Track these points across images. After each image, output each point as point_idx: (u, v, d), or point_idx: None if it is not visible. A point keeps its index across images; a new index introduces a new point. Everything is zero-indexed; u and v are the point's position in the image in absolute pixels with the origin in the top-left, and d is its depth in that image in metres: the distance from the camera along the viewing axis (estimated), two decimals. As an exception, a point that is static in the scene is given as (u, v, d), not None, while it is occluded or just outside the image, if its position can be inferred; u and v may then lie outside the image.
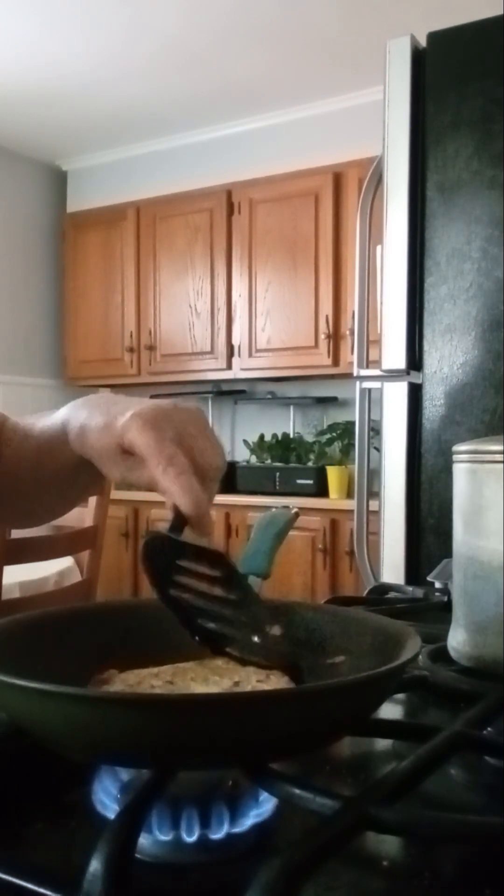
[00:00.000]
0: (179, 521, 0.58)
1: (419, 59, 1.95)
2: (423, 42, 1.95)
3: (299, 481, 3.89)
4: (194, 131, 4.44)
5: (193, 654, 0.56)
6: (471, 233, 1.89)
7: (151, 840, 0.43)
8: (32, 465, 0.76)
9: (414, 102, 1.95)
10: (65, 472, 0.74)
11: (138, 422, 0.61)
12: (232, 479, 4.10)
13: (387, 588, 1.16)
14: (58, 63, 3.75)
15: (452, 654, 0.73)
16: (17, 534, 2.51)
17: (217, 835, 0.43)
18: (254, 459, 4.24)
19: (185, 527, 0.59)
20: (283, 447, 4.17)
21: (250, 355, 4.20)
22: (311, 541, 3.65)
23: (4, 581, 2.27)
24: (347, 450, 3.90)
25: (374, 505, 2.10)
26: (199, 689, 0.50)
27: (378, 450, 2.04)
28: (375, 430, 2.12)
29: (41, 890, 0.37)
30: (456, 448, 0.74)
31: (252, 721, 0.42)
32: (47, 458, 0.74)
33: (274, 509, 0.86)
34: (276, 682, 0.52)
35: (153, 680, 0.51)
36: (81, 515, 2.65)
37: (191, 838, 0.43)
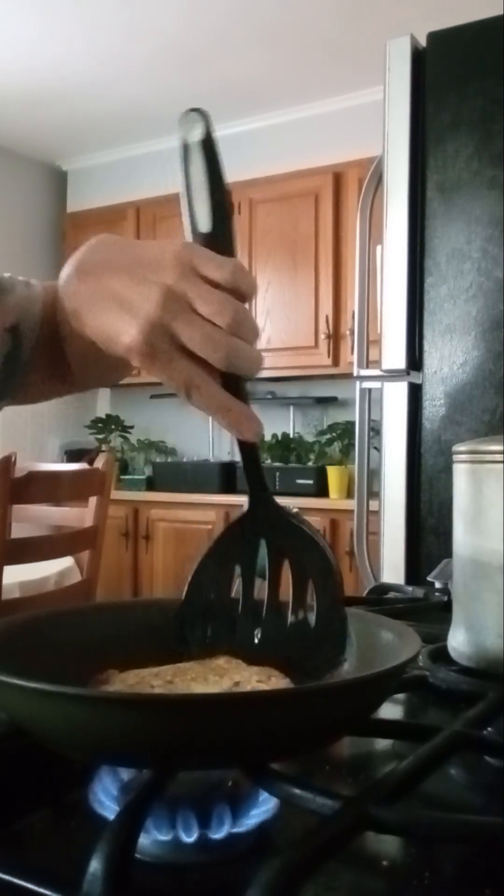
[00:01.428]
0: (243, 444, 0.58)
1: (419, 59, 1.95)
2: (423, 42, 1.95)
3: (299, 481, 3.89)
4: (194, 131, 4.43)
5: (193, 654, 0.56)
6: (471, 233, 1.89)
7: (151, 840, 0.43)
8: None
9: (414, 102, 1.95)
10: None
11: (136, 355, 0.55)
12: (232, 479, 4.10)
13: (387, 588, 1.16)
14: (58, 63, 3.75)
15: (452, 654, 0.73)
16: (17, 534, 2.52)
17: (217, 835, 0.43)
18: (254, 459, 4.23)
19: (254, 447, 0.58)
20: (283, 447, 4.17)
21: (250, 355, 4.19)
22: (311, 541, 3.65)
23: (4, 581, 2.27)
24: (347, 450, 3.90)
25: (374, 505, 2.10)
26: (199, 689, 0.50)
27: (378, 450, 2.04)
28: (375, 430, 2.12)
29: (41, 890, 0.37)
30: (456, 448, 0.74)
31: (252, 721, 0.42)
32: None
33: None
34: (276, 682, 0.52)
35: (153, 680, 0.51)
36: (81, 515, 2.65)
37: (190, 838, 0.43)
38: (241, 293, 0.56)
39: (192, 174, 0.57)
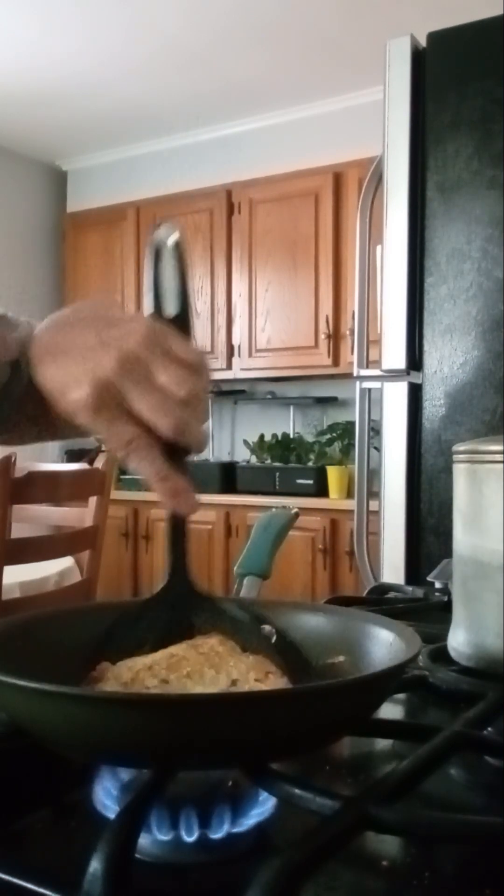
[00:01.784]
0: (174, 515, 0.57)
1: (419, 59, 1.95)
2: (423, 42, 1.95)
3: (299, 481, 3.89)
4: (194, 131, 4.44)
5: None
6: (471, 233, 1.89)
7: (151, 840, 0.43)
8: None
9: (414, 102, 1.95)
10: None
11: (81, 408, 0.56)
12: (232, 479, 4.10)
13: (387, 588, 1.16)
14: (58, 63, 3.75)
15: (452, 654, 0.73)
16: (17, 534, 2.52)
17: (217, 835, 0.43)
18: (254, 459, 4.24)
19: (184, 520, 0.58)
20: (283, 447, 4.17)
21: (250, 355, 4.20)
22: (311, 541, 3.65)
23: (4, 581, 2.27)
24: (347, 450, 3.90)
25: (374, 505, 2.10)
26: (196, 688, 0.50)
27: (378, 450, 2.04)
28: (375, 430, 2.12)
29: (41, 890, 0.37)
30: (456, 448, 0.74)
31: (252, 721, 0.42)
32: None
33: (274, 509, 0.86)
34: (274, 681, 0.52)
35: (147, 678, 0.51)
36: (81, 515, 2.65)
37: (191, 838, 0.43)
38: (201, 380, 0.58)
39: (165, 270, 0.62)
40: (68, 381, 0.57)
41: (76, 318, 0.62)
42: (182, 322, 0.61)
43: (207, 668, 0.52)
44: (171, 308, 0.61)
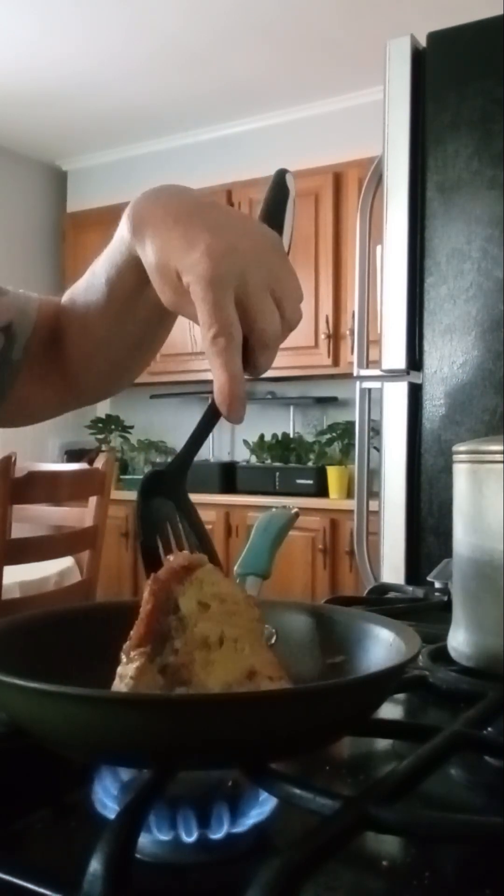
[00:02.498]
0: (213, 409, 0.56)
1: (419, 59, 1.95)
2: (423, 42, 1.95)
3: (299, 481, 3.89)
4: (194, 131, 4.44)
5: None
6: (471, 233, 1.89)
7: (151, 840, 0.43)
8: (111, 321, 0.72)
9: (414, 102, 1.95)
10: (143, 307, 0.69)
11: (203, 273, 0.53)
12: (232, 479, 4.10)
13: (387, 588, 1.16)
14: (58, 63, 3.75)
15: (452, 654, 0.73)
16: (17, 534, 2.52)
17: (217, 835, 0.43)
18: (254, 459, 4.24)
19: (218, 417, 0.57)
20: (283, 447, 4.17)
21: (250, 355, 4.19)
22: (311, 541, 3.65)
23: (4, 581, 2.27)
24: (347, 450, 3.90)
25: (374, 505, 2.09)
26: (213, 681, 0.49)
27: (378, 450, 2.04)
28: (375, 430, 2.12)
29: (41, 890, 0.37)
30: (456, 448, 0.74)
31: (252, 721, 0.42)
32: (122, 305, 0.70)
33: (274, 509, 0.86)
34: (277, 682, 0.52)
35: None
36: (81, 515, 2.65)
37: (190, 838, 0.43)
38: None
39: (287, 211, 0.67)
40: (196, 244, 0.54)
41: (190, 196, 0.59)
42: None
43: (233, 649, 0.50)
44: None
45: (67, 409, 0.87)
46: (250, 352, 0.56)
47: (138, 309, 0.71)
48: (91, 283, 0.73)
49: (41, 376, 0.81)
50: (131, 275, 0.66)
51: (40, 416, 0.87)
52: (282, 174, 0.64)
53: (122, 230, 0.64)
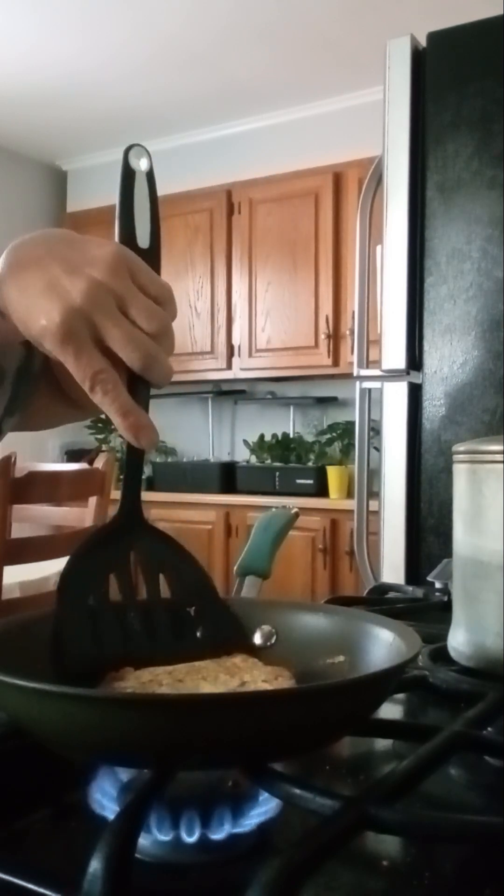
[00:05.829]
0: (129, 446, 0.56)
1: (419, 59, 1.95)
2: (423, 42, 1.95)
3: (299, 481, 3.89)
4: (194, 131, 4.43)
5: (205, 654, 0.56)
6: (471, 233, 1.89)
7: (151, 840, 0.43)
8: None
9: (414, 102, 1.95)
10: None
11: (52, 344, 0.54)
12: (232, 479, 4.10)
13: (387, 588, 1.16)
14: (58, 63, 3.75)
15: (452, 654, 0.73)
16: (17, 534, 2.52)
17: (217, 835, 0.43)
18: (254, 459, 4.24)
19: (142, 455, 0.57)
20: (283, 447, 4.17)
21: (250, 355, 4.20)
22: (311, 541, 3.65)
23: (4, 581, 2.27)
24: (347, 450, 3.90)
25: (374, 505, 2.09)
26: (208, 687, 0.50)
27: (378, 450, 2.04)
28: (375, 430, 2.12)
29: (41, 890, 0.37)
30: (456, 448, 0.74)
31: (252, 721, 0.42)
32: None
33: (274, 509, 0.86)
34: (281, 683, 0.52)
35: (164, 678, 0.51)
36: (81, 515, 2.65)
37: (191, 838, 0.43)
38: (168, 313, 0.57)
39: (137, 198, 0.61)
40: (35, 309, 0.55)
41: (42, 252, 0.60)
42: (152, 253, 0.59)
43: (223, 673, 0.52)
44: (143, 239, 0.60)
45: (80, 419, 0.88)
46: (139, 374, 0.56)
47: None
48: None
49: (49, 390, 0.81)
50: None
51: (57, 423, 0.88)
52: (126, 152, 0.62)
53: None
